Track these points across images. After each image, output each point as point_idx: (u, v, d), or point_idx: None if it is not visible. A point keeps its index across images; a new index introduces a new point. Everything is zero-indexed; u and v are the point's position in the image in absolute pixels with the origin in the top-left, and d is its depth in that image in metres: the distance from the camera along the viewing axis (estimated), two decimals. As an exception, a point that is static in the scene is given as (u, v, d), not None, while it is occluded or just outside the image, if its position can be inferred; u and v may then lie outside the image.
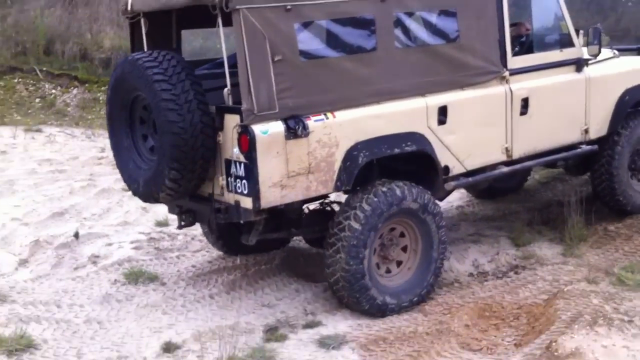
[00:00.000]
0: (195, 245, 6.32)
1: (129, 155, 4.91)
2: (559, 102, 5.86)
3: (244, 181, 4.43)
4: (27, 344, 4.42)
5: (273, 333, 4.67)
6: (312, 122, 4.52)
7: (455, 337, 4.53)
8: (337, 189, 4.73)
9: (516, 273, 5.63)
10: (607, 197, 6.41)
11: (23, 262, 5.95)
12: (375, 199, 4.77)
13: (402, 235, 5.08)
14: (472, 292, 5.31)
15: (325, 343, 4.52)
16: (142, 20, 5.08)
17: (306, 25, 4.62)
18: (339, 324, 4.83)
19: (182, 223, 5.12)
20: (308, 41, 4.65)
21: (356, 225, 4.72)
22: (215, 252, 6.04)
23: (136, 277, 5.52)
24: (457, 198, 7.40)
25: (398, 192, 4.85)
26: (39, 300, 5.16)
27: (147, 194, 4.76)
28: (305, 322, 4.83)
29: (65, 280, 5.54)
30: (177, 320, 4.88)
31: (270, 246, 5.97)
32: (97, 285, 5.47)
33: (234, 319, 4.80)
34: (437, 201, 5.22)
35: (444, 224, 5.14)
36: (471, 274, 5.69)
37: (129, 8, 5.09)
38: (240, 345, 4.36)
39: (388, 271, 5.09)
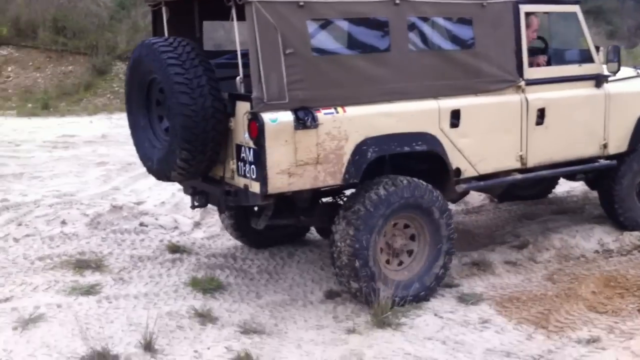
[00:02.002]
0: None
1: (145, 134, 5.10)
2: (576, 115, 5.89)
3: (252, 166, 4.56)
4: (217, 286, 5.35)
5: (418, 289, 5.35)
6: (322, 115, 4.62)
7: (582, 301, 5.08)
8: (345, 181, 4.80)
9: (640, 252, 6.02)
10: (605, 207, 6.57)
11: (197, 224, 6.97)
12: (381, 192, 4.84)
13: (408, 230, 5.14)
14: (598, 265, 5.86)
15: (464, 299, 5.16)
16: (164, 9, 5.29)
17: (319, 21, 4.76)
18: (476, 285, 5.48)
19: (196, 204, 5.31)
20: (320, 37, 4.80)
21: (360, 220, 4.79)
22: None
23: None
24: (581, 183, 7.84)
25: (404, 186, 4.92)
26: (218, 253, 6.15)
27: (160, 172, 4.95)
28: (444, 283, 5.38)
29: (233, 240, 6.43)
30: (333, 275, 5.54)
31: (286, 238, 6.24)
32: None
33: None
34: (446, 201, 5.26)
35: (451, 221, 5.19)
36: (596, 251, 6.18)
37: None
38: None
39: (400, 263, 5.14)
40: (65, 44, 17.56)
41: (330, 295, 5.27)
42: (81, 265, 5.72)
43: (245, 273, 5.73)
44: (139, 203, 7.59)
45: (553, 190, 8.02)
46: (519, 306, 5.07)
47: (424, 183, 5.04)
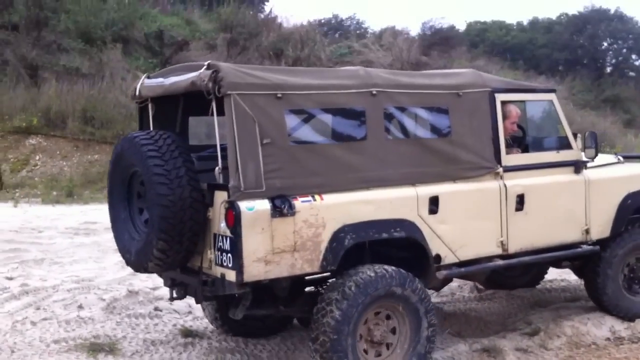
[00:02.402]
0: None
1: (125, 227, 5.13)
2: (556, 201, 5.92)
3: (229, 254, 4.55)
4: None
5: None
6: (299, 203, 4.65)
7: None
8: (322, 268, 4.78)
9: (651, 340, 6.07)
10: (592, 297, 6.53)
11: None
12: (360, 282, 4.79)
13: (388, 317, 5.06)
14: (609, 353, 5.92)
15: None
16: (150, 105, 5.43)
17: (296, 112, 4.83)
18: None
19: (174, 295, 5.29)
20: (297, 127, 4.87)
21: (337, 313, 4.72)
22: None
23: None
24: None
25: (382, 275, 4.86)
26: (230, 337, 6.20)
27: (138, 264, 4.94)
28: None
29: None
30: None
31: (272, 329, 6.16)
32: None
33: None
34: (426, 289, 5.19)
35: (432, 307, 5.12)
36: (608, 339, 6.22)
37: (137, 94, 5.47)
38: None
39: (378, 354, 5.03)
40: (92, 133, 18.01)
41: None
42: (95, 348, 5.84)
43: (256, 357, 5.81)
44: (154, 288, 7.68)
45: (548, 278, 7.95)
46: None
47: (403, 271, 4.99)
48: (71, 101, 18.65)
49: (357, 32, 35.01)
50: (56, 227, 11.78)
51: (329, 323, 4.71)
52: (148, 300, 7.16)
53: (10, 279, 8.11)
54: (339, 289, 4.80)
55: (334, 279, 5.02)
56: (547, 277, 7.81)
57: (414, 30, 46.45)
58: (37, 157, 18.02)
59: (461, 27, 40.99)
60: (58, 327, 6.39)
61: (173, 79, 5.04)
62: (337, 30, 35.98)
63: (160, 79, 5.26)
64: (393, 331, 5.07)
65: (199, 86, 4.61)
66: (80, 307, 6.98)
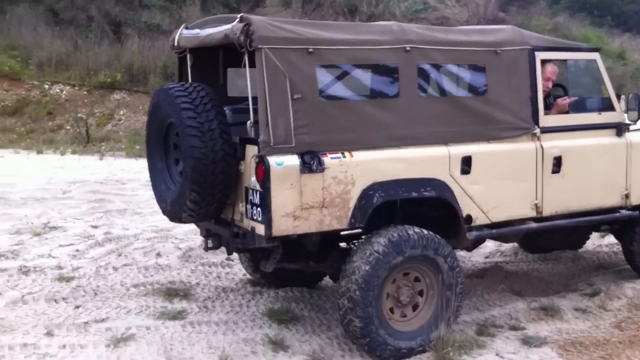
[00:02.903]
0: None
1: (162, 177, 5.22)
2: (596, 164, 5.78)
3: (258, 209, 4.60)
4: (291, 317, 5.68)
5: (483, 330, 5.50)
6: (328, 159, 4.65)
7: (645, 348, 5.15)
8: (351, 225, 4.79)
9: None
10: (629, 261, 6.42)
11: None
12: (391, 241, 4.79)
13: (417, 279, 5.06)
14: (667, 316, 5.87)
15: (528, 341, 5.28)
16: (188, 56, 5.46)
17: (327, 67, 4.79)
18: (541, 329, 5.58)
19: (209, 245, 5.35)
20: (329, 83, 4.83)
21: (365, 269, 4.73)
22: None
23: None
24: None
25: (413, 237, 4.85)
26: (295, 288, 6.41)
27: (173, 214, 5.03)
28: (510, 325, 5.62)
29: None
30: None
31: (307, 282, 6.26)
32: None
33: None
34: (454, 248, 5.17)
35: (461, 272, 5.10)
36: (668, 303, 6.19)
37: (175, 44, 5.51)
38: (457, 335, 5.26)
39: (403, 315, 5.05)
40: (173, 89, 18.61)
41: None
42: (171, 293, 6.24)
43: (320, 307, 6.05)
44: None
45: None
46: (582, 350, 5.19)
47: (432, 234, 4.97)
48: (152, 57, 19.29)
49: (433, -13, 34.24)
50: (139, 180, 12.37)
51: (356, 279, 4.74)
52: (221, 251, 7.54)
53: (95, 227, 8.78)
54: (370, 246, 4.82)
55: (366, 236, 5.04)
56: (612, 239, 7.77)
57: (493, -14, 44.90)
58: (121, 112, 18.72)
59: (542, -20, 39.51)
60: (137, 273, 6.88)
61: (208, 31, 5.05)
62: (412, -14, 35.28)
63: (197, 30, 5.27)
64: (420, 293, 5.09)
65: (231, 39, 4.60)
66: (158, 254, 7.51)
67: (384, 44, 4.93)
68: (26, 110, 18.58)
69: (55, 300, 6.06)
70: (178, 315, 5.72)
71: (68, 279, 6.59)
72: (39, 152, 15.94)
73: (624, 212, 6.01)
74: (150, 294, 6.25)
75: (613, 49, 23.00)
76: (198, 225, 5.64)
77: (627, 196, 6.01)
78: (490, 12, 24.99)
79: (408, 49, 4.98)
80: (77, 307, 5.91)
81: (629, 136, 6.02)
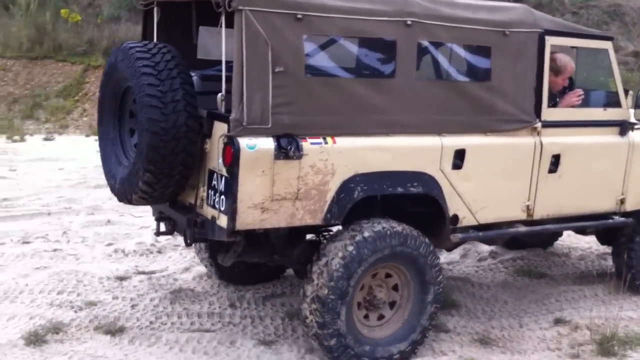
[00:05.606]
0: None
1: (112, 148, 4.57)
2: (594, 165, 5.30)
3: (222, 197, 4.03)
4: (452, 304, 5.60)
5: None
6: (307, 145, 4.07)
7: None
8: (326, 221, 4.26)
9: None
10: (618, 268, 5.94)
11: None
12: (359, 241, 4.28)
13: (390, 280, 4.60)
14: None
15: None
16: (155, 9, 4.69)
17: (317, 38, 4.25)
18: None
19: (161, 230, 4.75)
20: (316, 56, 4.33)
21: (337, 266, 4.23)
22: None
23: (527, 272, 6.56)
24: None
25: (392, 233, 4.36)
26: (456, 277, 6.41)
27: (122, 194, 4.39)
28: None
29: (472, 267, 6.73)
30: (566, 306, 5.76)
31: (266, 277, 5.68)
32: (497, 274, 6.59)
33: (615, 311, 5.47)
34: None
35: (441, 275, 4.64)
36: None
37: None
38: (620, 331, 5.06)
39: (380, 318, 4.60)
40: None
41: (559, 322, 5.42)
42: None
43: (481, 297, 5.95)
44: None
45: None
46: None
47: (416, 232, 4.48)
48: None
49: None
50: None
51: (326, 277, 4.22)
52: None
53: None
54: (344, 241, 4.29)
55: (338, 229, 4.51)
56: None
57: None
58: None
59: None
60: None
61: None
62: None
63: None
64: (395, 288, 4.61)
65: None
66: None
67: (382, 15, 4.28)
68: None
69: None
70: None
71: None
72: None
73: (617, 218, 5.56)
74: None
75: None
76: (150, 206, 4.94)
77: (622, 201, 5.55)
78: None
79: (409, 22, 4.34)
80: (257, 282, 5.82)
81: (632, 136, 5.50)
